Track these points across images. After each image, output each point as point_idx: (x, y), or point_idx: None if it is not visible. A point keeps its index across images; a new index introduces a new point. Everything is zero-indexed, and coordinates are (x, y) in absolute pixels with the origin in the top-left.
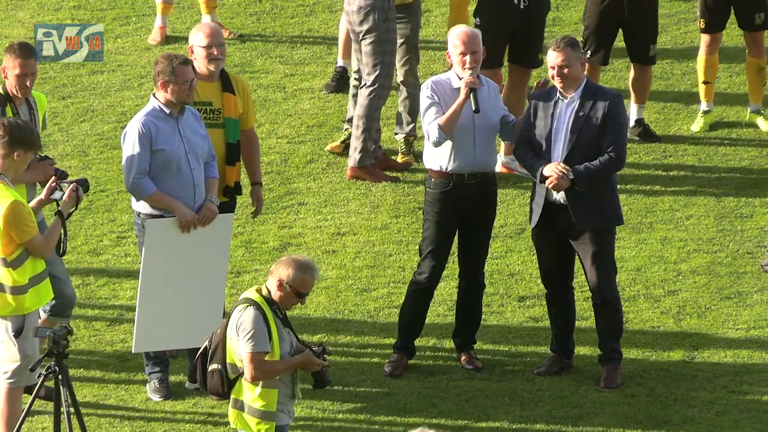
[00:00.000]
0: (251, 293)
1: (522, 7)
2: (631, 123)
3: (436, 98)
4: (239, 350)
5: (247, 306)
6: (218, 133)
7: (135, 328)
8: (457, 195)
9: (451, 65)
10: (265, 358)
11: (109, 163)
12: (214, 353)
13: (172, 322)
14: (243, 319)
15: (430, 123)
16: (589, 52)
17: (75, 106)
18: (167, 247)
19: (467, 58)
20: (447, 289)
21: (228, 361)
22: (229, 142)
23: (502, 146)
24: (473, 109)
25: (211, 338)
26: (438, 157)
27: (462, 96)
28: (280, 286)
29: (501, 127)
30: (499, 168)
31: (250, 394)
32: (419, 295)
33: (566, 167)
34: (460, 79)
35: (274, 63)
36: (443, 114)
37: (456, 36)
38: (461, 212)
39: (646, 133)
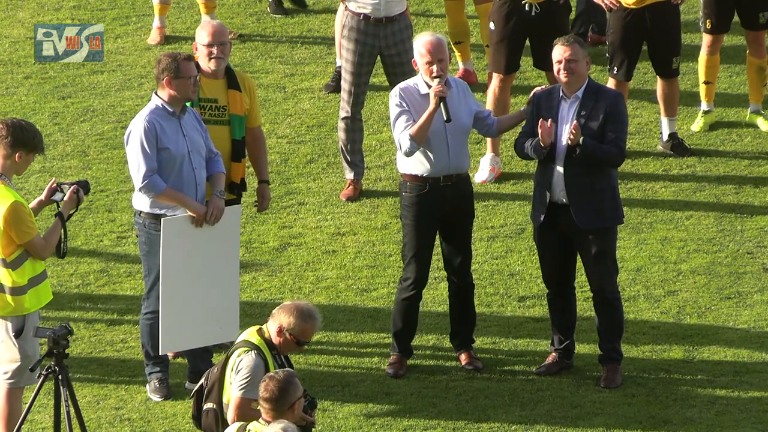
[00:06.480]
0: (252, 335)
1: (534, 14)
2: (664, 137)
3: (405, 105)
4: (231, 391)
5: (249, 351)
6: (224, 129)
7: (160, 328)
8: (433, 198)
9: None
10: (253, 406)
11: (109, 163)
12: (210, 392)
13: (193, 319)
14: (243, 364)
15: (401, 133)
16: (615, 68)
17: (75, 106)
18: (183, 244)
19: (434, 67)
20: (446, 289)
21: (224, 401)
22: (235, 139)
23: (488, 148)
24: (444, 119)
25: (208, 376)
26: (412, 162)
27: (432, 106)
28: (280, 332)
29: (476, 123)
30: (479, 180)
31: None
32: (408, 301)
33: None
34: (429, 86)
35: (274, 63)
36: (413, 122)
37: (421, 45)
38: (439, 215)
39: (679, 147)
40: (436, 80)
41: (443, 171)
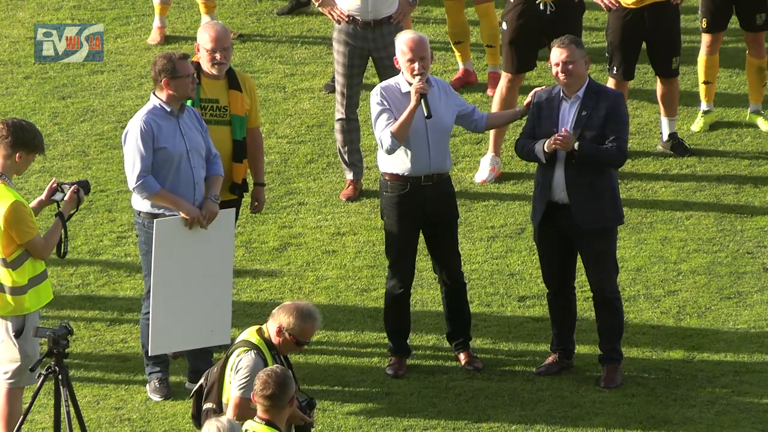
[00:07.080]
0: (252, 335)
1: (549, 12)
2: (664, 137)
3: (386, 104)
4: (231, 391)
5: (248, 350)
6: (225, 130)
7: (150, 329)
8: (415, 197)
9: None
10: (252, 406)
11: (109, 163)
12: (210, 392)
13: (185, 321)
14: (242, 363)
15: (382, 130)
16: (615, 68)
17: (75, 106)
18: (176, 246)
19: (416, 65)
20: None
21: (224, 400)
22: (236, 139)
23: (489, 148)
24: (425, 115)
25: (207, 376)
26: (393, 162)
27: (413, 102)
28: (279, 332)
29: (462, 120)
30: (479, 180)
31: None
32: (397, 301)
33: (567, 131)
34: (410, 84)
35: (274, 63)
36: (395, 120)
37: (403, 42)
38: (421, 215)
39: (679, 147)
40: (417, 78)
41: (424, 170)
